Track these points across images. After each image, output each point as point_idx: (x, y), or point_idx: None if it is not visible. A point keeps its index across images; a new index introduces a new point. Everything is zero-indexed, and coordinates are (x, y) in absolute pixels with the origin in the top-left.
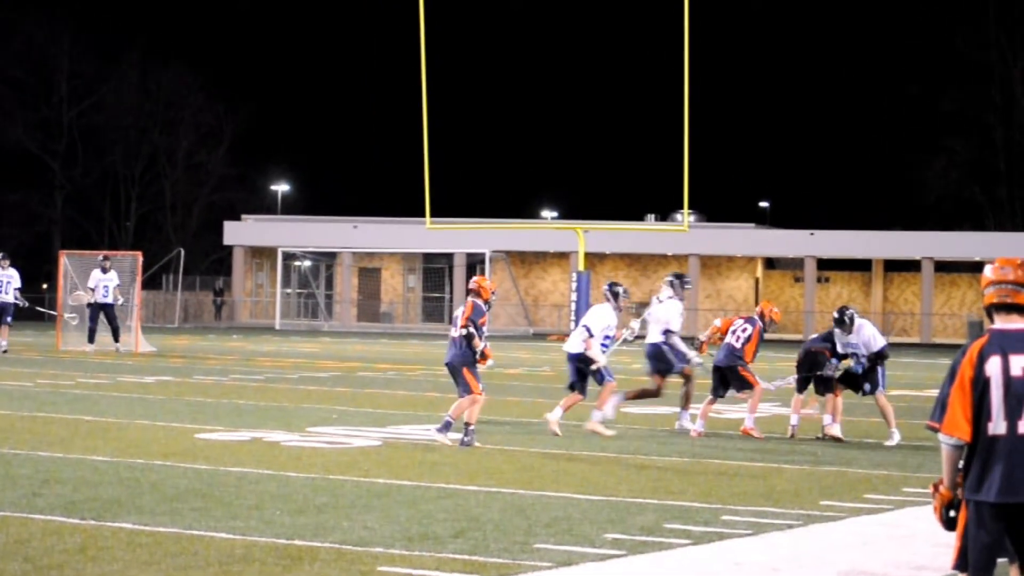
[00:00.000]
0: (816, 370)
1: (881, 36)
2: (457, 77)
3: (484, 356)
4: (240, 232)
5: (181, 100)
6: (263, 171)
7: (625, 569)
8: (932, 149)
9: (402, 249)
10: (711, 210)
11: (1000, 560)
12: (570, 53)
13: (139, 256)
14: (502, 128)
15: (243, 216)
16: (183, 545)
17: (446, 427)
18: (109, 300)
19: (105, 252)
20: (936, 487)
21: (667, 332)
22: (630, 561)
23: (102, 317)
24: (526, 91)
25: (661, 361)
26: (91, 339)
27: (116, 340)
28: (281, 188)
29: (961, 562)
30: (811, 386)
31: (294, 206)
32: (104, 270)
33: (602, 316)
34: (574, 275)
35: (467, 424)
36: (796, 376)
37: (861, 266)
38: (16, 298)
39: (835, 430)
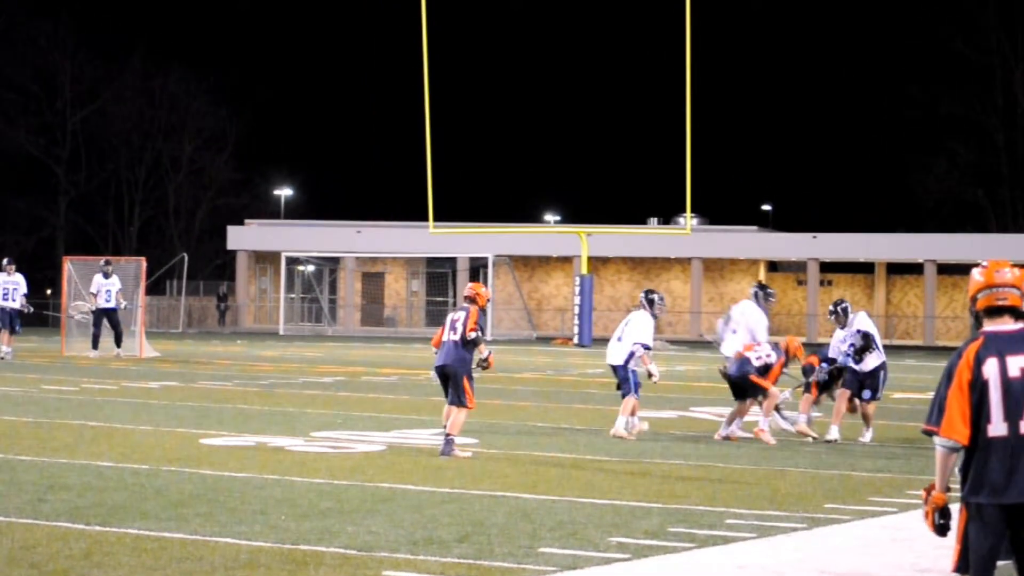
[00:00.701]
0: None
1: (882, 38)
2: (460, 81)
3: (488, 363)
4: (244, 237)
5: (184, 105)
6: (266, 176)
7: (630, 573)
8: (934, 151)
9: (405, 253)
10: (714, 213)
11: (1003, 563)
12: (573, 57)
13: (143, 261)
14: (505, 132)
15: (247, 221)
16: (188, 550)
17: (448, 444)
18: (112, 305)
19: (107, 257)
20: (928, 491)
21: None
22: (634, 565)
23: (105, 322)
24: (529, 95)
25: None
26: (95, 345)
27: (119, 345)
28: (284, 193)
29: (962, 564)
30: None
31: (297, 211)
32: (106, 275)
33: (646, 325)
34: (577, 279)
35: (448, 435)
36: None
37: (863, 269)
38: (22, 305)
39: (803, 426)
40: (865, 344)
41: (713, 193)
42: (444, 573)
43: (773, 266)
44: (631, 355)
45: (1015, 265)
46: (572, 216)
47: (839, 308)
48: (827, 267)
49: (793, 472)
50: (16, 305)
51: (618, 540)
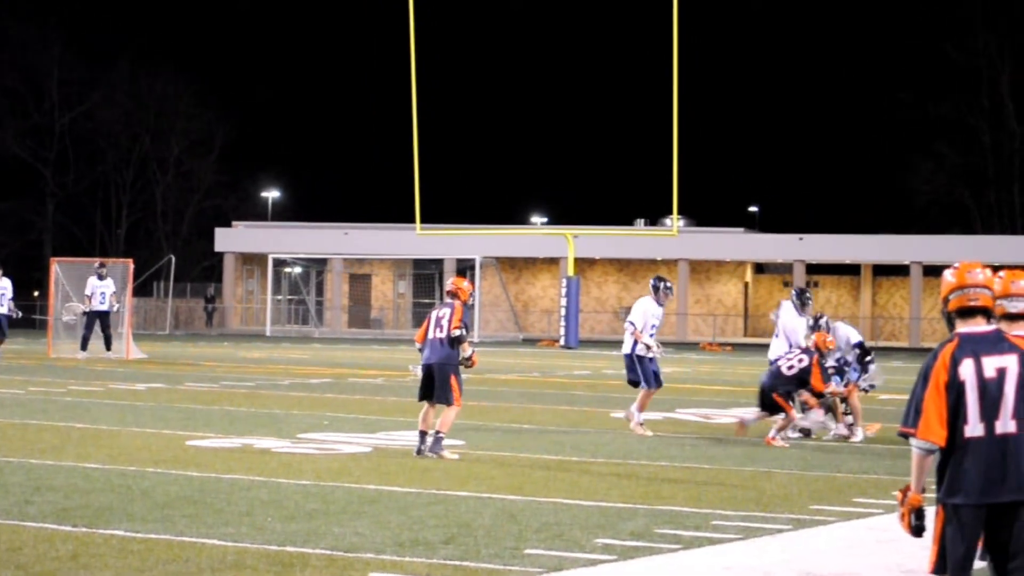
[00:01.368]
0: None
1: (870, 41)
2: (447, 83)
3: (471, 362)
4: (231, 239)
5: (172, 107)
6: (254, 178)
7: (616, 574)
8: (921, 153)
9: (392, 255)
10: (700, 215)
11: (979, 565)
12: (560, 59)
13: (130, 263)
14: (492, 134)
15: (234, 223)
16: (174, 552)
17: (438, 443)
18: (105, 307)
19: (101, 259)
20: (904, 493)
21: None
22: (620, 566)
23: (96, 325)
24: (516, 97)
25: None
26: (84, 347)
27: (108, 348)
28: (272, 195)
29: (939, 565)
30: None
31: (285, 213)
32: (100, 277)
33: (641, 308)
34: (563, 280)
35: (438, 432)
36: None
37: (850, 270)
38: (10, 309)
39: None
40: (864, 351)
41: (700, 194)
42: (430, 574)
43: (759, 268)
44: (635, 343)
45: (1001, 267)
46: (559, 218)
47: (820, 322)
48: (813, 269)
49: (779, 474)
50: (3, 310)
51: (604, 541)
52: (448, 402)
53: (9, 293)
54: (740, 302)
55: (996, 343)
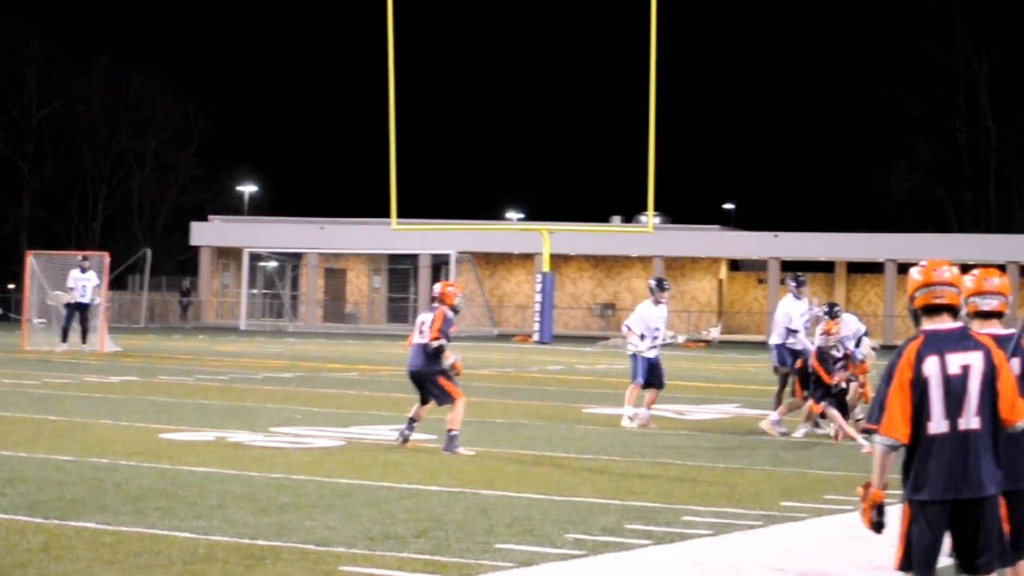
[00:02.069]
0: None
1: (847, 39)
2: (424, 79)
3: (455, 369)
4: (207, 233)
5: (150, 101)
6: (231, 172)
7: (586, 569)
8: (897, 152)
9: (368, 250)
10: (676, 212)
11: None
12: (537, 55)
13: (106, 256)
14: (468, 130)
15: (210, 217)
16: (146, 544)
17: (451, 442)
18: (87, 300)
19: (84, 253)
20: (865, 488)
21: (788, 331)
22: (591, 561)
23: (76, 317)
24: (492, 93)
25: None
26: (64, 338)
27: (85, 341)
28: (248, 189)
29: (905, 562)
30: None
31: (261, 207)
32: (83, 270)
33: (638, 309)
34: (539, 276)
35: (450, 430)
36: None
37: (825, 268)
38: None
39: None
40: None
41: (675, 191)
42: (401, 568)
43: (735, 264)
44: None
45: (976, 266)
46: (534, 213)
47: (834, 310)
48: (788, 266)
49: (750, 470)
50: None
51: (575, 536)
52: (449, 401)
53: None
54: (714, 299)
55: (961, 340)
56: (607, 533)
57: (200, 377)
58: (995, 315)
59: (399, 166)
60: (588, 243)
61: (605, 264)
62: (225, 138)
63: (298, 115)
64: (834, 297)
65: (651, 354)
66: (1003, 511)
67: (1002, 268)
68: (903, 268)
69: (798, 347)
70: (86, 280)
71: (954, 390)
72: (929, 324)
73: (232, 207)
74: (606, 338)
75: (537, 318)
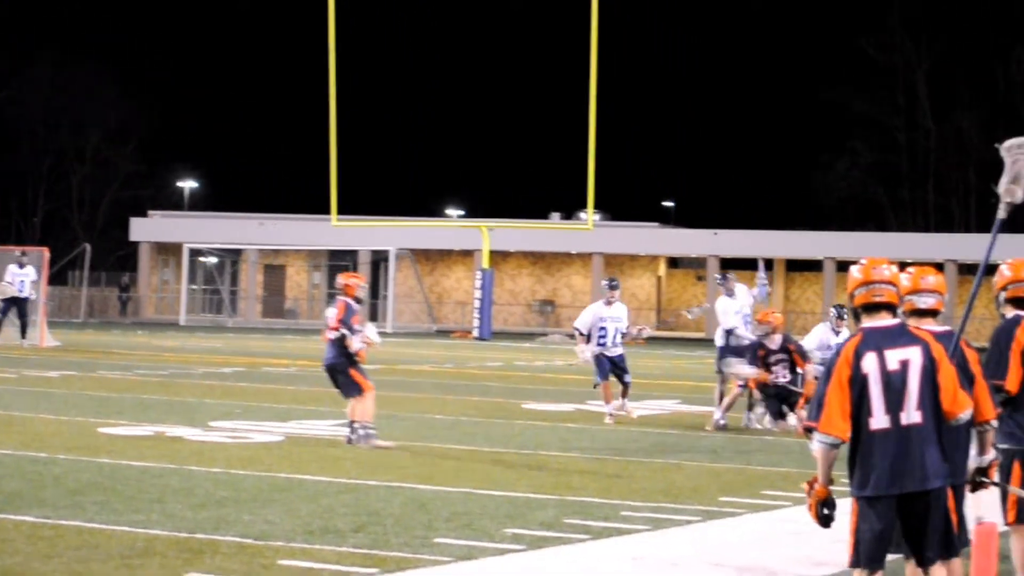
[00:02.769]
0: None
1: (787, 38)
2: (363, 75)
3: (359, 357)
4: (146, 228)
5: (90, 97)
6: (170, 168)
7: (524, 564)
8: (836, 150)
9: (307, 246)
10: (615, 209)
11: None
12: (476, 51)
13: (45, 252)
14: (408, 126)
15: (150, 212)
16: (85, 538)
17: (367, 435)
18: (25, 294)
19: (22, 248)
20: (811, 484)
21: (725, 332)
22: (529, 556)
23: (13, 312)
24: (432, 89)
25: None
26: None
27: (24, 336)
28: (188, 185)
29: (856, 559)
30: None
31: (201, 203)
32: (20, 265)
33: (588, 312)
34: (478, 273)
35: (352, 422)
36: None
37: (767, 265)
38: None
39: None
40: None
41: (615, 189)
42: (340, 562)
43: (674, 262)
44: (595, 344)
45: (914, 264)
46: (474, 210)
47: (843, 313)
48: (727, 263)
49: (688, 465)
50: None
51: (513, 531)
52: (356, 393)
53: None
54: (653, 296)
55: (899, 336)
56: (545, 528)
57: (139, 372)
58: (931, 313)
59: (339, 162)
60: (528, 240)
61: (544, 261)
62: (165, 134)
63: (238, 111)
64: (773, 295)
65: (614, 352)
66: (951, 503)
67: (940, 267)
68: (842, 266)
69: (745, 342)
70: (24, 275)
71: (894, 385)
72: (868, 321)
73: (172, 203)
74: (545, 334)
75: (476, 314)
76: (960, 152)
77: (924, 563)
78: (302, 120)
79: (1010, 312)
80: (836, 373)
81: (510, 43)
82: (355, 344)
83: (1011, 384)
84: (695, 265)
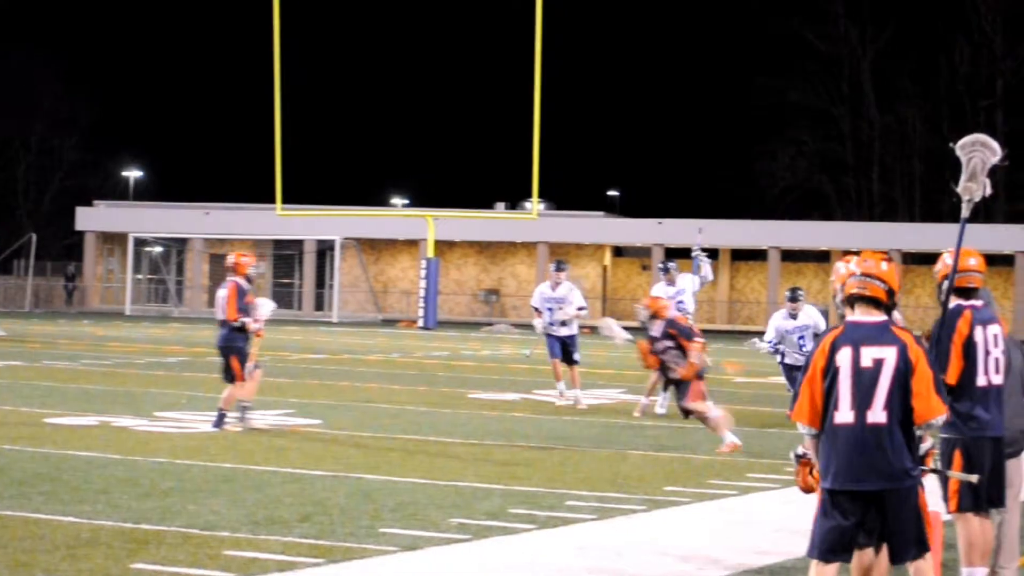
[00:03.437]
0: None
1: (731, 26)
2: (308, 64)
3: (257, 335)
4: (92, 218)
5: (35, 87)
6: (116, 157)
7: (470, 553)
8: (781, 140)
9: (253, 235)
10: (560, 199)
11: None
12: (420, 40)
13: None
14: (352, 115)
15: (95, 202)
16: (30, 529)
17: (222, 419)
18: None
19: None
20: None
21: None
22: (475, 546)
23: None
24: (377, 79)
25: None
26: None
27: None
28: (133, 174)
29: (812, 549)
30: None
31: (146, 192)
32: None
33: (536, 291)
34: (423, 262)
35: (220, 409)
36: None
37: (708, 254)
38: None
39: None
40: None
41: (560, 178)
42: (285, 552)
43: (618, 251)
44: (548, 323)
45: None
46: (419, 200)
47: (798, 295)
48: (672, 253)
49: (633, 455)
50: None
51: (459, 521)
52: (230, 380)
53: None
54: (599, 285)
55: (880, 334)
56: (491, 518)
57: (85, 362)
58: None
59: (284, 151)
60: (473, 229)
61: (490, 250)
62: (110, 123)
63: (183, 100)
64: (718, 284)
65: (562, 331)
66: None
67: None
68: (787, 255)
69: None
70: None
71: (863, 382)
72: (852, 316)
73: (118, 192)
74: (491, 324)
75: (422, 304)
76: (904, 142)
77: (895, 560)
78: (247, 110)
79: (952, 302)
80: (813, 363)
81: (455, 32)
82: (253, 325)
83: (951, 376)
84: (640, 254)
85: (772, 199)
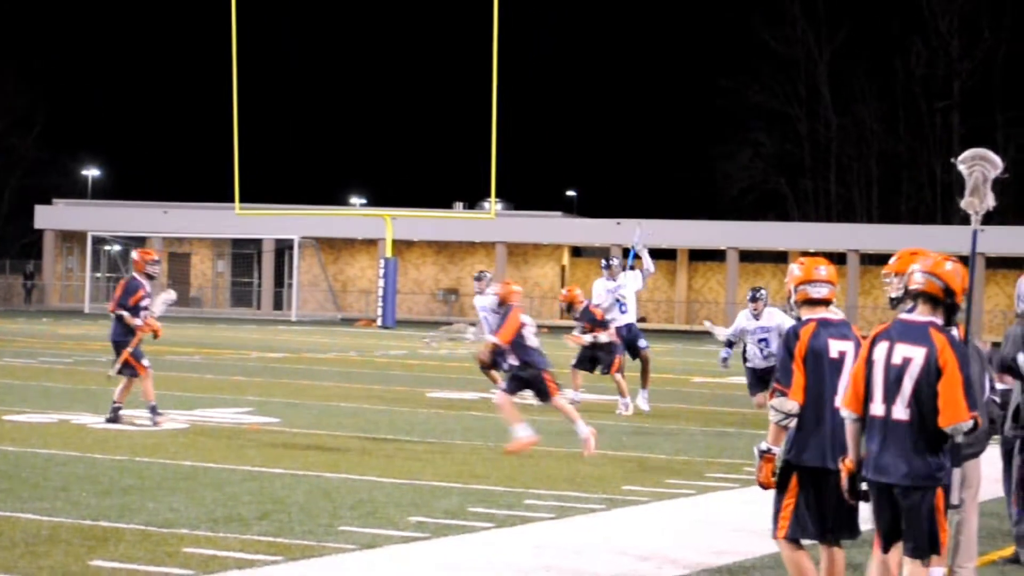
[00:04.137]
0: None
1: (689, 27)
2: (267, 63)
3: (155, 333)
4: (51, 216)
5: None
6: (74, 156)
7: (428, 552)
8: (738, 141)
9: (211, 234)
10: (519, 198)
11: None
12: (379, 40)
13: None
14: (311, 114)
15: (54, 200)
16: None
17: (116, 413)
18: None
19: None
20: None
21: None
22: (433, 544)
23: None
24: (336, 78)
25: None
26: None
27: None
28: (92, 173)
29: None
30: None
31: (105, 191)
32: None
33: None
34: (382, 261)
35: (115, 403)
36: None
37: (666, 255)
38: None
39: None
40: None
41: (518, 178)
42: (244, 550)
43: (577, 251)
44: None
45: (816, 254)
46: (377, 199)
47: (759, 295)
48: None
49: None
50: None
51: (417, 519)
52: (131, 375)
53: None
54: (557, 285)
55: (917, 333)
56: (449, 516)
57: (44, 360)
58: (824, 303)
59: (242, 151)
60: (431, 229)
61: (448, 250)
62: (69, 122)
63: (141, 99)
64: (676, 284)
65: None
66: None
67: (843, 256)
68: (745, 255)
69: (620, 323)
70: None
71: (891, 378)
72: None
73: (77, 191)
74: (449, 323)
75: (380, 303)
76: (861, 143)
77: (908, 555)
78: (206, 109)
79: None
80: (861, 353)
81: (413, 32)
82: (136, 321)
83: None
84: (598, 254)
85: (730, 200)
